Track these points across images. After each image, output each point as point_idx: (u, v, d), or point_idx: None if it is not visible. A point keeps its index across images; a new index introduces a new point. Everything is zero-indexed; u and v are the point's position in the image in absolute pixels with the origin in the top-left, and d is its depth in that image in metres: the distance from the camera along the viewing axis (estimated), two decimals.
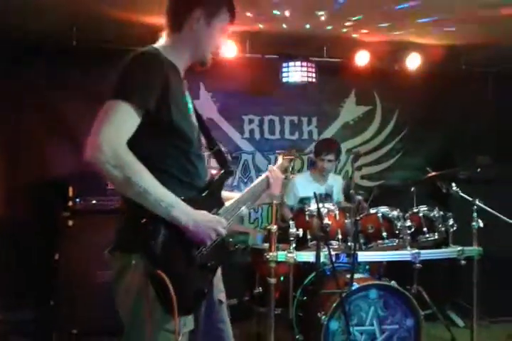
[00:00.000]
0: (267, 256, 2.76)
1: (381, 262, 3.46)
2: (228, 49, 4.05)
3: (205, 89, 4.65)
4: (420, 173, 3.92)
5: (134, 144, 1.34)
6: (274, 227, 2.77)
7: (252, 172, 4.76)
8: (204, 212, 1.46)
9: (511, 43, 4.06)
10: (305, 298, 3.16)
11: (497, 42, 4.08)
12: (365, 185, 5.03)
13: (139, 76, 1.36)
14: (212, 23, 1.53)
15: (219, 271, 1.63)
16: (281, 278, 3.16)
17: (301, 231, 2.90)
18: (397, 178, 5.05)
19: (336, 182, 4.05)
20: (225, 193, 1.67)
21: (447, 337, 3.58)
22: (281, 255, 2.83)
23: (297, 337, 3.09)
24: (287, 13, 3.54)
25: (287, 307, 3.01)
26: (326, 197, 3.88)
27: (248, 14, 3.54)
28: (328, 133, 4.98)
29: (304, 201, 3.76)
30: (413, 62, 4.46)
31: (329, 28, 3.88)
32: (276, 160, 2.08)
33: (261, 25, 3.80)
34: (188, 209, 1.40)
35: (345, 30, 3.95)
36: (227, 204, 1.64)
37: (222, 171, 1.65)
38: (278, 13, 3.51)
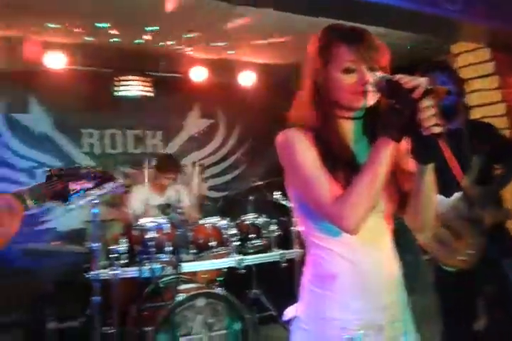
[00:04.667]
0: (87, 276, 2.69)
1: (219, 270, 3.58)
2: (55, 60, 3.90)
3: (36, 102, 4.40)
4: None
5: None
6: (96, 244, 2.72)
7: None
8: None
9: None
10: (136, 314, 3.13)
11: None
12: (212, 196, 5.17)
13: None
14: None
15: None
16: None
17: (125, 247, 2.88)
18: (241, 188, 5.27)
19: (175, 192, 4.09)
20: None
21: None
22: (103, 273, 2.78)
23: None
24: (112, 27, 3.53)
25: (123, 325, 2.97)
26: (168, 206, 3.91)
27: (71, 26, 3.47)
28: (174, 146, 5.04)
29: (145, 211, 3.75)
30: (248, 79, 4.74)
31: (162, 43, 3.96)
32: None
33: (87, 38, 3.73)
34: None
35: (179, 46, 4.07)
36: None
37: None
38: (102, 26, 3.48)
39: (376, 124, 1.16)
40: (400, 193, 1.25)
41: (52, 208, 4.32)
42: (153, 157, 4.31)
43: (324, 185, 1.15)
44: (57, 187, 1.24)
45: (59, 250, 3.32)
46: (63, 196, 1.25)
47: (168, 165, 3.97)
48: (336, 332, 1.17)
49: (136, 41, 3.85)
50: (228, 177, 5.32)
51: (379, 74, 1.14)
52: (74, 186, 1.27)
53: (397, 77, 1.07)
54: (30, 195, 1.20)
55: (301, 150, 1.20)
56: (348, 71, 1.17)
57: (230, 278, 3.67)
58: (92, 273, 2.70)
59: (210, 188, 5.24)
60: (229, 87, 4.85)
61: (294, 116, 1.29)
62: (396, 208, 1.26)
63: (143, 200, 3.92)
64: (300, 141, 1.21)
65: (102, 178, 1.35)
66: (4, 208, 1.12)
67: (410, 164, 1.21)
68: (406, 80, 1.04)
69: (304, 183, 1.18)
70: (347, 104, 1.21)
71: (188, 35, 3.83)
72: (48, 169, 1.31)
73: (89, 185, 1.31)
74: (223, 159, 5.30)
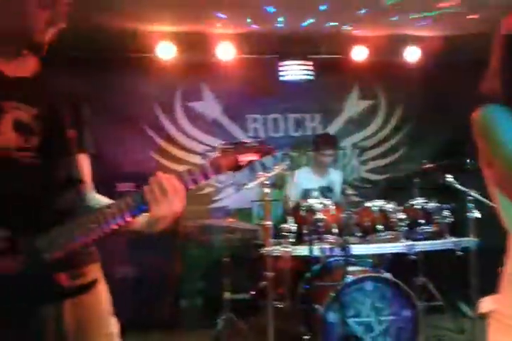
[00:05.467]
0: (262, 251, 2.85)
1: (383, 255, 3.51)
2: (225, 51, 4.15)
3: (208, 90, 4.77)
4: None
5: None
6: (268, 223, 2.87)
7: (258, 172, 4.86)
8: None
9: None
10: (305, 291, 3.25)
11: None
12: (371, 179, 5.06)
13: None
14: None
15: None
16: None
17: (295, 226, 2.99)
18: (404, 171, 5.05)
19: (336, 177, 4.12)
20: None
21: (457, 328, 3.60)
22: (277, 250, 2.93)
23: (298, 328, 3.18)
24: (281, 12, 3.62)
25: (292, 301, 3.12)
26: (328, 190, 3.98)
27: (241, 15, 3.64)
28: (333, 128, 5.03)
29: (306, 193, 3.86)
30: (412, 54, 4.47)
31: (327, 25, 3.94)
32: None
33: (255, 26, 3.89)
34: None
35: (344, 26, 4.01)
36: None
37: None
38: (273, 10, 3.57)
39: None
40: None
41: (223, 188, 4.70)
42: (312, 138, 4.37)
43: None
44: (230, 159, 1.28)
45: (232, 226, 3.58)
46: (236, 167, 1.30)
47: (326, 143, 3.99)
48: None
49: (304, 24, 3.87)
50: (389, 159, 5.12)
51: None
52: (242, 158, 1.30)
53: None
54: (203, 170, 1.25)
55: (504, 129, 1.10)
56: None
57: (395, 263, 3.58)
58: (265, 249, 2.86)
59: (370, 171, 5.13)
60: (391, 65, 4.64)
61: (487, 89, 1.17)
62: None
63: (304, 182, 4.02)
64: (502, 118, 1.11)
65: (264, 151, 1.34)
66: (169, 187, 1.19)
67: None
68: None
69: (506, 164, 1.08)
70: None
71: (358, 13, 3.73)
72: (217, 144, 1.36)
73: (255, 157, 1.31)
74: (384, 141, 5.11)
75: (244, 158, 1.29)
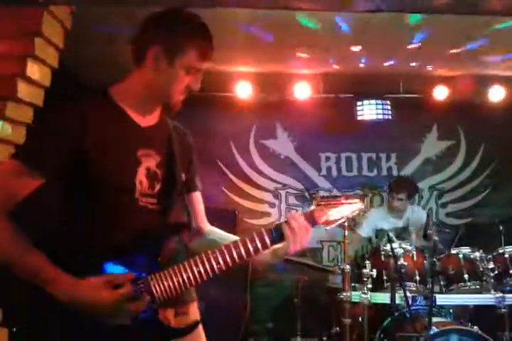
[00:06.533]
0: (341, 296, 2.75)
1: (467, 306, 3.27)
2: (302, 90, 4.21)
3: (281, 129, 4.83)
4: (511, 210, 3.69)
5: None
6: (348, 267, 2.77)
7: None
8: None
9: None
10: (384, 340, 3.06)
11: None
12: (451, 223, 4.80)
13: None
14: (174, 62, 1.27)
15: None
16: (360, 319, 3.10)
17: (375, 272, 2.86)
18: (486, 216, 4.76)
19: (415, 214, 3.94)
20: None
21: None
22: (355, 295, 2.81)
23: None
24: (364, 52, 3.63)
25: None
26: (404, 230, 3.81)
27: (325, 56, 3.70)
28: (409, 169, 4.88)
29: (379, 233, 3.72)
30: (496, 94, 4.31)
31: (412, 65, 3.91)
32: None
33: (336, 66, 3.93)
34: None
35: (427, 66, 3.96)
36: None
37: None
38: (355, 50, 3.59)
39: None
40: None
41: None
42: (389, 179, 4.27)
43: None
44: (323, 213, 1.33)
45: (304, 263, 3.48)
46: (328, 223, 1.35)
47: (401, 186, 3.89)
48: None
49: (386, 63, 3.86)
50: (470, 202, 4.86)
51: None
52: (333, 212, 1.34)
53: None
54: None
55: None
56: None
57: (479, 316, 3.31)
58: (343, 294, 2.75)
59: (449, 214, 4.87)
60: (472, 104, 4.48)
61: None
62: None
63: (379, 222, 3.89)
64: None
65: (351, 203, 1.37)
66: (303, 226, 1.30)
67: None
68: None
69: None
70: None
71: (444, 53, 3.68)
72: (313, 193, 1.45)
73: (346, 212, 1.36)
74: (464, 183, 4.88)
75: (336, 215, 1.34)
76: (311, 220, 1.32)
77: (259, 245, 1.26)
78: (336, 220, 1.35)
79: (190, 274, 1.20)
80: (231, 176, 4.78)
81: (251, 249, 1.25)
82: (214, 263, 1.21)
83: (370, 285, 2.96)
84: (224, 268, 1.22)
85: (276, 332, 4.05)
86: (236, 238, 1.31)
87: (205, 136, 4.54)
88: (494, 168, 4.85)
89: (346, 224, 3.84)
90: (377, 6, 2.92)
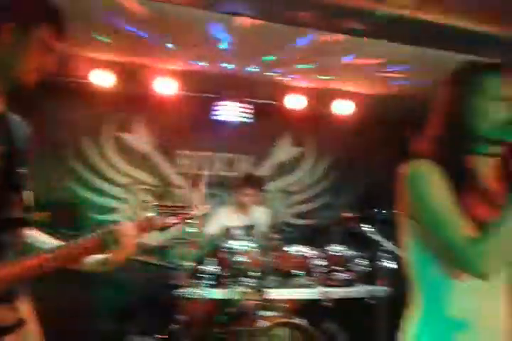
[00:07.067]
0: (177, 293, 2.76)
1: (298, 300, 3.52)
2: (165, 86, 4.16)
3: (140, 123, 4.72)
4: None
5: None
6: (188, 264, 2.80)
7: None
8: None
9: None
10: (219, 335, 3.15)
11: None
12: (295, 224, 5.15)
13: None
14: (25, 38, 1.22)
15: None
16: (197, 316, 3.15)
17: (217, 269, 2.94)
18: (327, 218, 5.20)
19: (262, 215, 4.11)
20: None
21: None
22: (192, 292, 2.85)
23: None
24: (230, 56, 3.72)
25: None
26: (252, 228, 3.94)
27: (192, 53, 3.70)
28: (262, 171, 5.12)
29: (226, 231, 3.81)
30: (343, 108, 4.72)
31: (271, 74, 4.11)
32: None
33: (202, 64, 3.96)
34: None
35: (289, 76, 4.20)
36: None
37: None
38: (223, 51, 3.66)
39: None
40: None
41: None
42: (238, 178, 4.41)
43: (457, 224, 1.10)
44: (160, 223, 1.40)
45: (151, 263, 3.44)
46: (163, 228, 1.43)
47: (247, 182, 4.01)
48: None
49: (249, 69, 4.00)
50: (313, 205, 5.28)
51: None
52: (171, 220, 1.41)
53: None
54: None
55: (433, 184, 1.15)
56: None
57: (307, 309, 3.60)
58: (180, 290, 2.77)
59: (294, 215, 5.23)
60: (322, 115, 4.86)
61: (420, 149, 1.25)
62: None
63: (226, 221, 3.97)
64: (432, 174, 1.17)
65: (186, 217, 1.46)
66: (129, 234, 1.32)
67: None
68: None
69: (434, 220, 1.14)
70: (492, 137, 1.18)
71: (300, 67, 3.94)
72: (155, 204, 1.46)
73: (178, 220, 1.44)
74: (310, 186, 5.28)
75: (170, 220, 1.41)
76: (144, 227, 1.36)
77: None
78: (170, 226, 1.42)
79: None
80: (79, 168, 4.52)
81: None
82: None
83: (212, 282, 3.03)
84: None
85: (114, 333, 3.92)
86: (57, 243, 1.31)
87: (53, 124, 4.24)
88: (336, 176, 5.34)
89: (194, 222, 3.90)
90: (240, 10, 3.04)
